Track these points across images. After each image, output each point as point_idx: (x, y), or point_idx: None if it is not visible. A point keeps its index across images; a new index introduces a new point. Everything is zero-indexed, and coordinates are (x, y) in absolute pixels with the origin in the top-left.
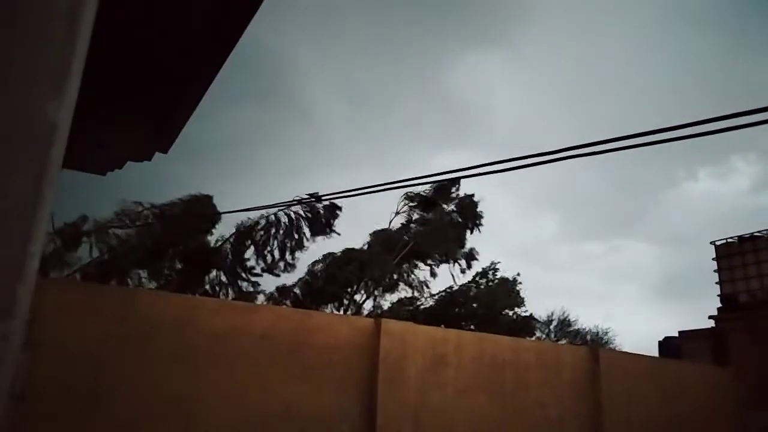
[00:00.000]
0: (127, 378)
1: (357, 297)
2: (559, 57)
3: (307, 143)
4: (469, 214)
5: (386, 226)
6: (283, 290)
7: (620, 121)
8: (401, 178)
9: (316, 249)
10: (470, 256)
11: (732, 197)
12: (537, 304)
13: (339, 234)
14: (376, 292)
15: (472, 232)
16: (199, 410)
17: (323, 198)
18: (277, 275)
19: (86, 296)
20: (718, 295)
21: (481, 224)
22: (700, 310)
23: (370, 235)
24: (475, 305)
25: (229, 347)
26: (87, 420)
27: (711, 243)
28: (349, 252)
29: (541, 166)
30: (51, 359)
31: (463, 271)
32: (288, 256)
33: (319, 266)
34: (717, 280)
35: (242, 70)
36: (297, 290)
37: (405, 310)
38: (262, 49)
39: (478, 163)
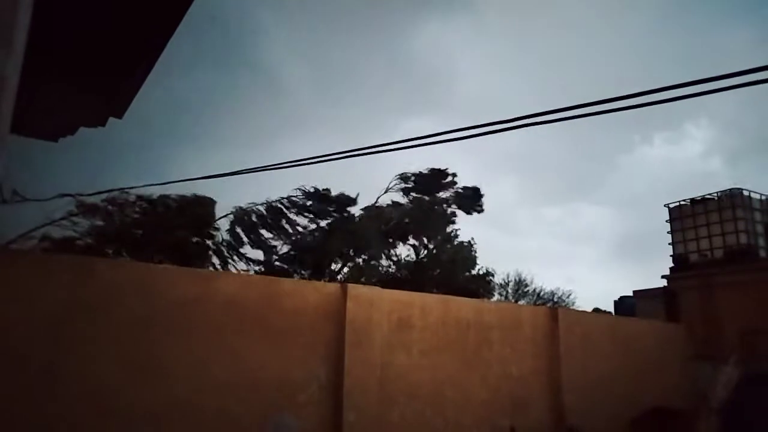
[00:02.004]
0: (85, 349)
1: (334, 266)
2: (524, 23)
3: (271, 110)
4: (471, 204)
5: (372, 202)
6: (267, 263)
7: (586, 87)
8: (368, 145)
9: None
10: (452, 238)
11: (685, 162)
12: (498, 267)
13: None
14: (356, 261)
15: (470, 213)
16: (162, 378)
17: (293, 164)
18: (274, 257)
19: (38, 267)
20: (670, 256)
21: (481, 211)
22: (654, 271)
23: (361, 210)
24: (438, 271)
25: (193, 314)
26: (43, 394)
27: (665, 206)
28: (337, 223)
29: (503, 132)
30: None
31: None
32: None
33: (309, 238)
34: (670, 241)
35: (202, 35)
36: (281, 263)
37: (373, 277)
38: (223, 13)
39: (444, 130)
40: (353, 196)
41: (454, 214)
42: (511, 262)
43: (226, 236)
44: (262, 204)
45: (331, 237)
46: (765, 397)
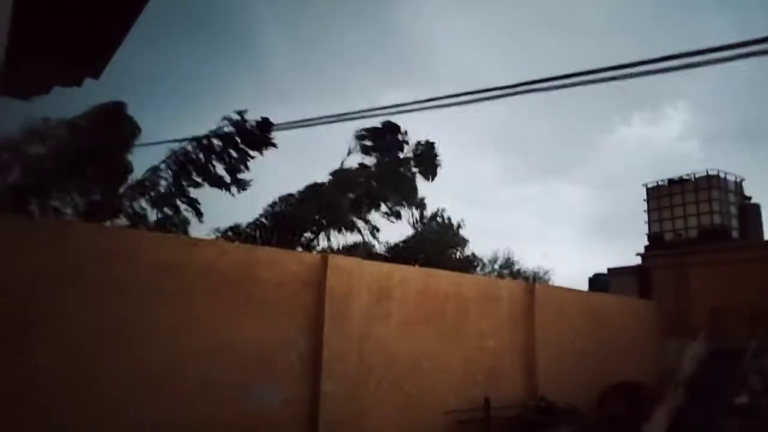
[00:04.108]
0: (60, 314)
1: (308, 236)
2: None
3: (251, 80)
4: (427, 162)
5: (339, 166)
6: (235, 228)
7: (568, 60)
8: (345, 112)
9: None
10: (422, 204)
11: (662, 143)
12: (480, 244)
13: (276, 146)
14: (331, 233)
15: (431, 180)
16: (138, 345)
17: (270, 128)
18: (231, 192)
19: (12, 231)
20: (646, 234)
21: (436, 173)
22: (629, 249)
23: (330, 174)
24: (423, 253)
25: (170, 282)
26: (17, 359)
27: (643, 185)
28: (308, 191)
29: (483, 108)
30: None
31: (416, 219)
32: (237, 173)
33: (278, 207)
34: (646, 220)
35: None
36: (250, 230)
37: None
38: None
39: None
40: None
41: (415, 177)
42: (492, 240)
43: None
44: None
45: (302, 206)
46: (730, 372)
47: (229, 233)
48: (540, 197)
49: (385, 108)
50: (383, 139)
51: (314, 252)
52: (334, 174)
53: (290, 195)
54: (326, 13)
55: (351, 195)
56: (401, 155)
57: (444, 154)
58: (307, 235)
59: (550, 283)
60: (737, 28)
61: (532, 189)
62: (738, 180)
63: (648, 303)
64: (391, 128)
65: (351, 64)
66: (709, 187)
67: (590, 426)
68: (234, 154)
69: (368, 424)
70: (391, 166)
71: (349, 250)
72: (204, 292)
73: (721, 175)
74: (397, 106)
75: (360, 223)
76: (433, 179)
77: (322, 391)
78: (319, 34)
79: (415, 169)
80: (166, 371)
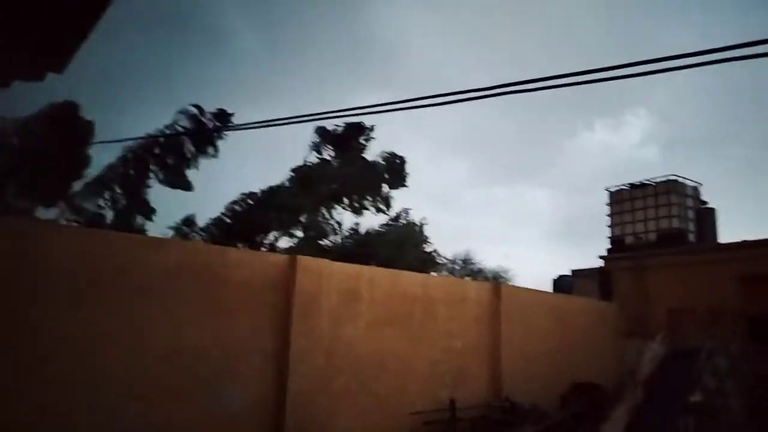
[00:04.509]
0: (21, 315)
1: (271, 236)
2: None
3: (222, 75)
4: (395, 174)
5: (302, 163)
6: (189, 223)
7: (539, 64)
8: (312, 113)
9: (234, 184)
10: (387, 202)
11: (625, 148)
12: (445, 245)
13: (224, 138)
14: (292, 232)
15: (396, 188)
16: (101, 346)
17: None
18: (186, 189)
19: None
20: (608, 237)
21: (405, 184)
22: (593, 251)
23: (291, 171)
24: (384, 248)
25: (134, 282)
26: None
27: (605, 189)
28: (269, 192)
29: (453, 110)
30: None
31: (381, 217)
32: (189, 169)
33: (237, 206)
34: (608, 223)
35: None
36: (210, 226)
37: (315, 249)
38: None
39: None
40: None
41: (385, 180)
42: (457, 241)
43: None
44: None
45: (263, 205)
46: (686, 372)
47: (185, 229)
48: (506, 200)
49: (354, 108)
50: (348, 138)
51: (273, 250)
52: (296, 171)
53: (252, 193)
54: (300, 11)
55: (314, 192)
56: (368, 156)
57: (412, 154)
58: (271, 237)
59: (512, 283)
60: (700, 36)
61: (498, 191)
62: (695, 185)
63: (609, 305)
64: (356, 128)
65: (324, 64)
66: (668, 192)
67: (553, 425)
68: (191, 148)
69: (334, 424)
70: (356, 164)
71: (304, 247)
72: (170, 292)
73: (680, 180)
74: (367, 107)
75: (321, 220)
76: (396, 187)
77: (288, 391)
78: (293, 33)
79: (384, 174)
80: (129, 372)
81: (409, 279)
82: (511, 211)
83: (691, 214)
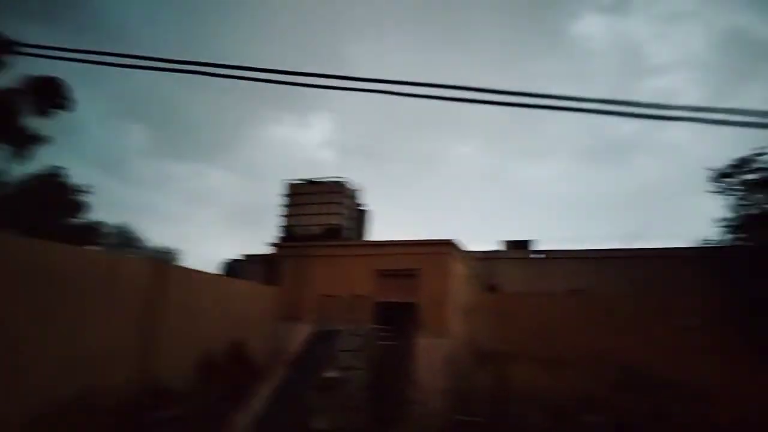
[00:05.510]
0: None
1: None
2: None
3: None
4: (51, 98)
5: None
6: None
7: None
8: None
9: None
10: (33, 140)
11: (307, 146)
12: (110, 215)
13: None
14: None
15: (47, 116)
16: None
17: None
18: None
19: None
20: (281, 226)
21: (60, 110)
22: (267, 237)
23: None
24: (25, 209)
25: None
26: None
27: (284, 181)
28: None
29: (139, 74)
30: None
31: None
32: None
33: None
34: (282, 213)
35: None
36: None
37: None
38: None
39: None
40: None
41: (24, 108)
42: (127, 213)
43: None
44: None
45: None
46: (327, 351)
47: None
48: (185, 177)
49: None
50: None
51: None
52: None
53: None
54: None
55: None
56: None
57: (81, 111)
58: None
59: (180, 263)
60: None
61: (178, 167)
62: (358, 189)
63: (273, 289)
64: None
65: None
66: (337, 191)
67: (198, 406)
68: None
69: None
70: None
71: None
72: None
73: (347, 183)
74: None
75: None
76: (47, 116)
77: None
78: None
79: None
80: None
81: (48, 249)
82: (189, 190)
83: (352, 213)
